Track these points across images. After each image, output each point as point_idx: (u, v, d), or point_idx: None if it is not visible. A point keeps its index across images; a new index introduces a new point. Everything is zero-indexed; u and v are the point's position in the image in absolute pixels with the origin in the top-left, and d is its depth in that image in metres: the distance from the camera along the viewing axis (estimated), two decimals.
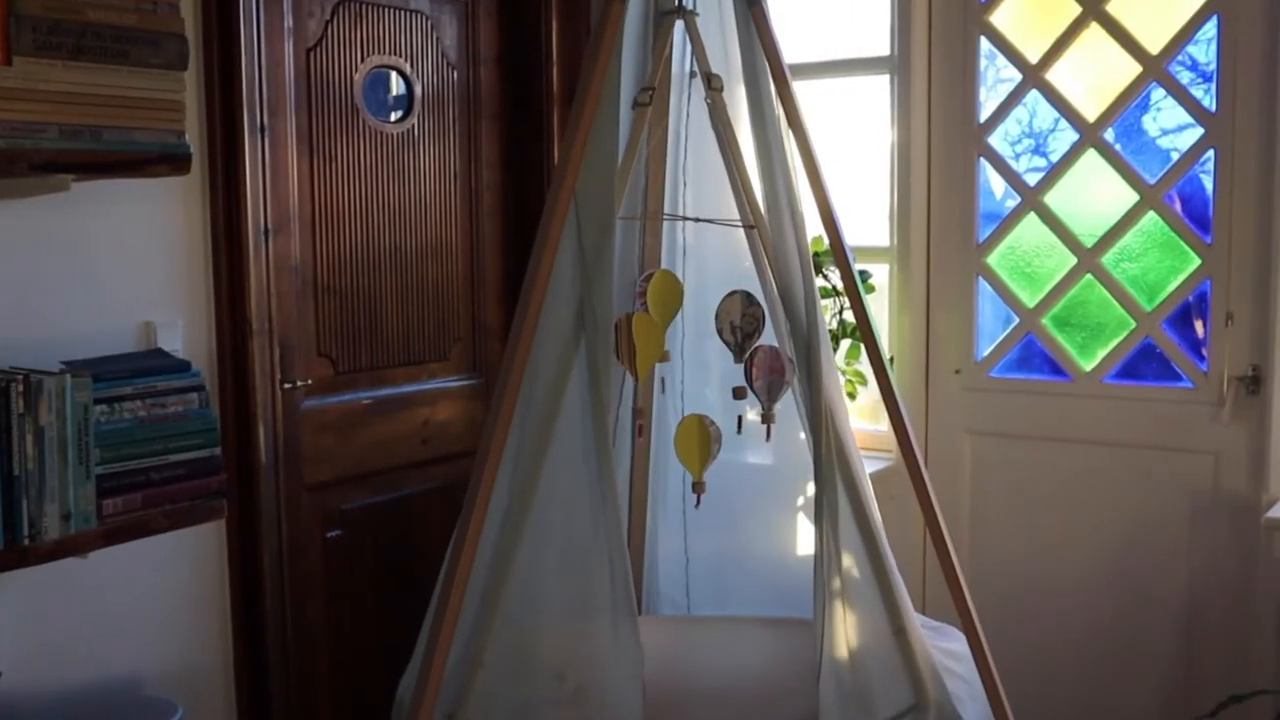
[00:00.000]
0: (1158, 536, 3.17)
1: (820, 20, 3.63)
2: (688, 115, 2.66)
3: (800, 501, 2.86)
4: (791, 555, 2.84)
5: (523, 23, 3.26)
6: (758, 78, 2.31)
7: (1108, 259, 3.25)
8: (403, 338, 3.05)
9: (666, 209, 2.72)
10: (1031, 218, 3.34)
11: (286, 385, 2.73)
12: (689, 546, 2.87)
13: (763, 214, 2.41)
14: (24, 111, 1.92)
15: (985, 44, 3.36)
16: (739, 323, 2.43)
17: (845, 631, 2.20)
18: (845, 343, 3.46)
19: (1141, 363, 3.26)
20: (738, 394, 2.45)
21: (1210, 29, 3.05)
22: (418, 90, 3.04)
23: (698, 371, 2.78)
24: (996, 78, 3.41)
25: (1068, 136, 3.28)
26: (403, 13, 2.99)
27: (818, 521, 2.23)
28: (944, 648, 2.41)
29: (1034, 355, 3.42)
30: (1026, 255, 3.39)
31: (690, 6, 2.46)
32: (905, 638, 2.23)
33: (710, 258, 2.75)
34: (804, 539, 2.82)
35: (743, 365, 2.45)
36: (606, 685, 2.17)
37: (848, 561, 2.23)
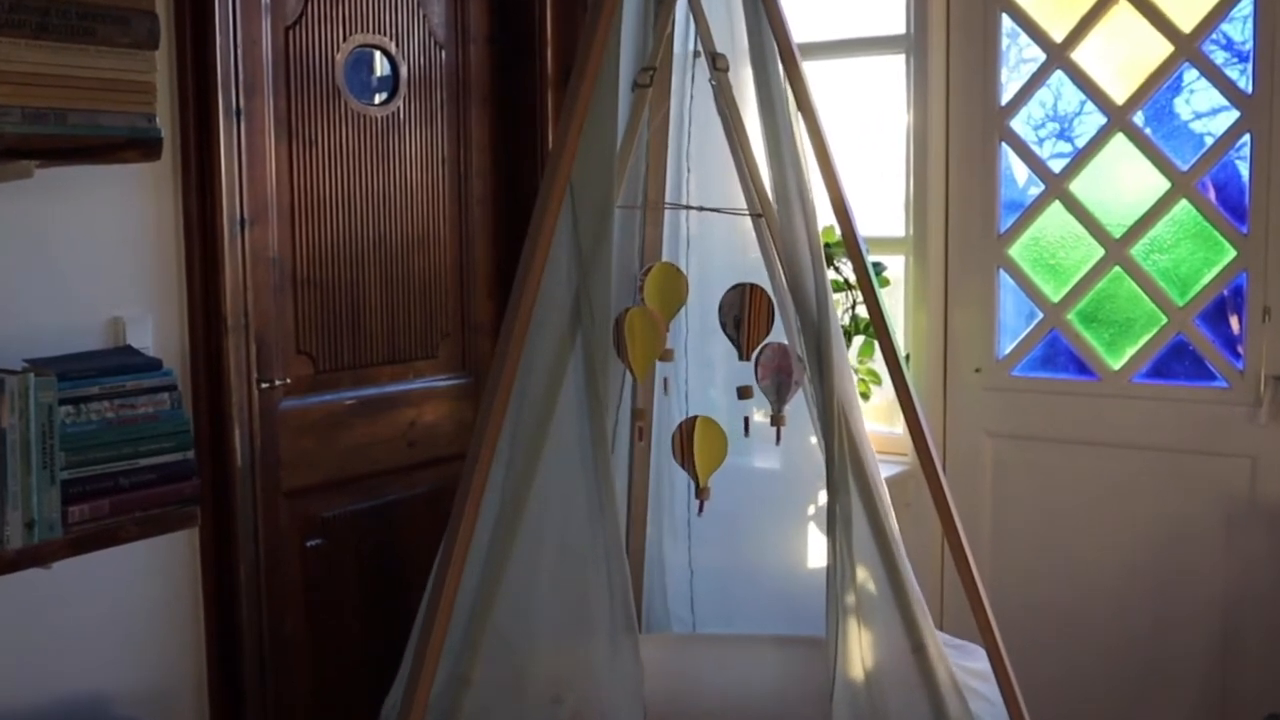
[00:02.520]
0: (1191, 546, 3.17)
1: None
2: (691, 97, 2.66)
3: (812, 510, 2.86)
4: (803, 568, 2.84)
5: None
6: (765, 57, 2.31)
7: (1137, 250, 3.25)
8: (387, 334, 3.05)
9: (669, 197, 2.72)
10: (1056, 207, 3.34)
11: (263, 385, 2.73)
12: (694, 558, 2.87)
13: (771, 202, 2.41)
14: None
15: (1007, 21, 3.36)
16: (742, 317, 2.44)
17: (860, 649, 2.20)
18: (858, 339, 3.47)
19: (1173, 361, 3.26)
20: (743, 393, 2.45)
21: (1246, 6, 3.05)
22: (403, 71, 3.04)
23: (703, 370, 2.78)
24: (1019, 57, 3.41)
25: (1095, 120, 3.28)
26: None
27: (830, 531, 2.22)
28: (967, 666, 2.40)
29: (1059, 353, 3.42)
30: (1051, 246, 3.39)
31: None
32: (924, 655, 2.23)
33: (715, 249, 2.75)
34: (816, 551, 2.82)
35: (745, 362, 2.45)
36: (605, 708, 2.16)
37: (862, 574, 2.23)
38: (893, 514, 2.32)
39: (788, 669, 2.58)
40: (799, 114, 2.30)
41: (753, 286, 2.45)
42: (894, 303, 3.51)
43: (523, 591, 2.25)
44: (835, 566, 2.20)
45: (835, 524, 2.21)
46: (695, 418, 2.43)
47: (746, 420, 2.47)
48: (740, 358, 2.46)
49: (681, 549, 2.88)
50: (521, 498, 2.23)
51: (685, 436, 2.42)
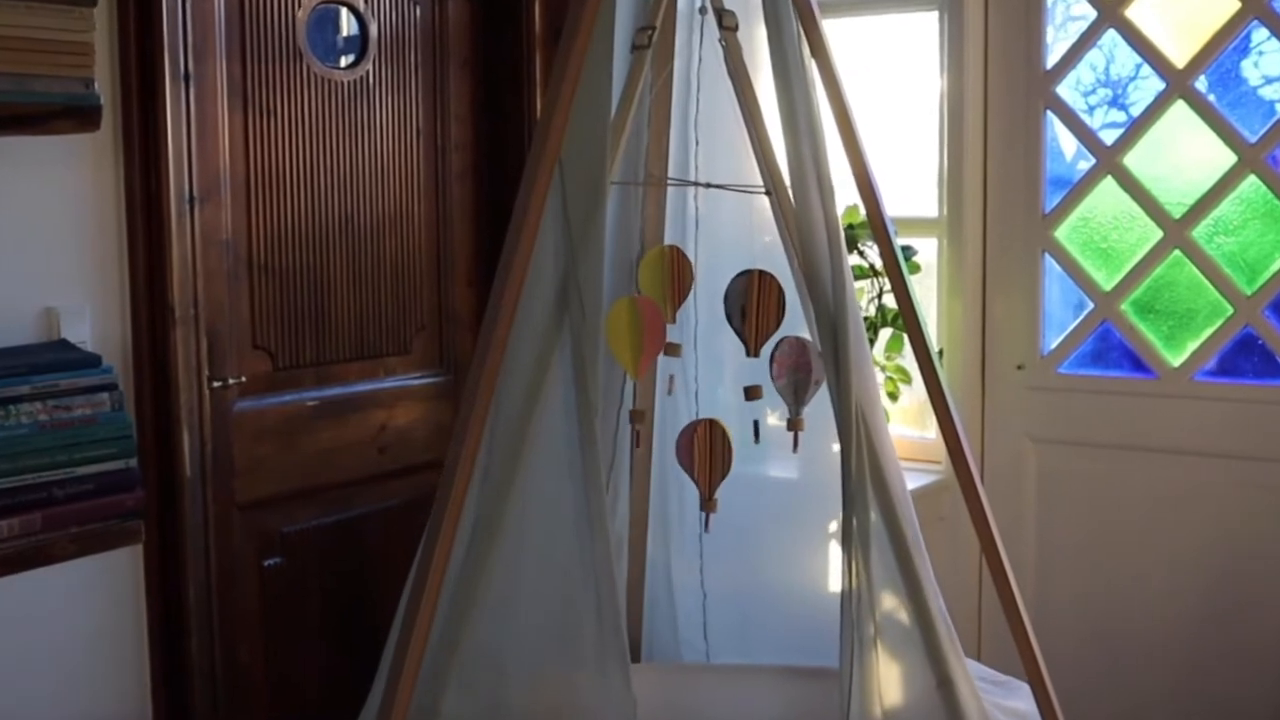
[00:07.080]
0: (1261, 564, 3.18)
1: None
2: (700, 60, 2.65)
3: (834, 527, 2.86)
4: (826, 591, 2.84)
5: None
6: (780, 14, 2.30)
7: (1199, 232, 3.25)
8: (355, 327, 3.05)
9: (673, 172, 2.72)
10: (1108, 183, 3.35)
11: (216, 384, 2.73)
12: (706, 580, 2.86)
13: (784, 179, 2.41)
14: None
15: None
16: (749, 308, 2.44)
17: (879, 682, 2.20)
18: (885, 332, 3.47)
19: (1240, 357, 3.26)
20: (750, 394, 2.45)
21: None
22: (373, 30, 3.04)
23: (711, 367, 2.78)
24: (1066, 15, 3.41)
25: (1152, 85, 3.29)
26: None
27: (846, 550, 2.22)
28: (1006, 705, 2.40)
29: (1111, 348, 3.42)
30: (1102, 228, 3.39)
31: None
32: (951, 690, 2.23)
33: (726, 231, 2.75)
34: (838, 572, 2.81)
35: (758, 359, 2.45)
36: None
37: (882, 599, 2.23)
38: (918, 532, 2.32)
39: (798, 704, 2.58)
40: (818, 78, 2.30)
41: (760, 273, 2.44)
42: (925, 291, 3.51)
43: (499, 613, 2.24)
44: (852, 590, 2.20)
45: (852, 542, 2.21)
46: (706, 420, 2.43)
47: (756, 424, 2.46)
48: (747, 353, 2.45)
49: (693, 569, 2.87)
50: (499, 507, 2.23)
51: (694, 441, 2.42)
